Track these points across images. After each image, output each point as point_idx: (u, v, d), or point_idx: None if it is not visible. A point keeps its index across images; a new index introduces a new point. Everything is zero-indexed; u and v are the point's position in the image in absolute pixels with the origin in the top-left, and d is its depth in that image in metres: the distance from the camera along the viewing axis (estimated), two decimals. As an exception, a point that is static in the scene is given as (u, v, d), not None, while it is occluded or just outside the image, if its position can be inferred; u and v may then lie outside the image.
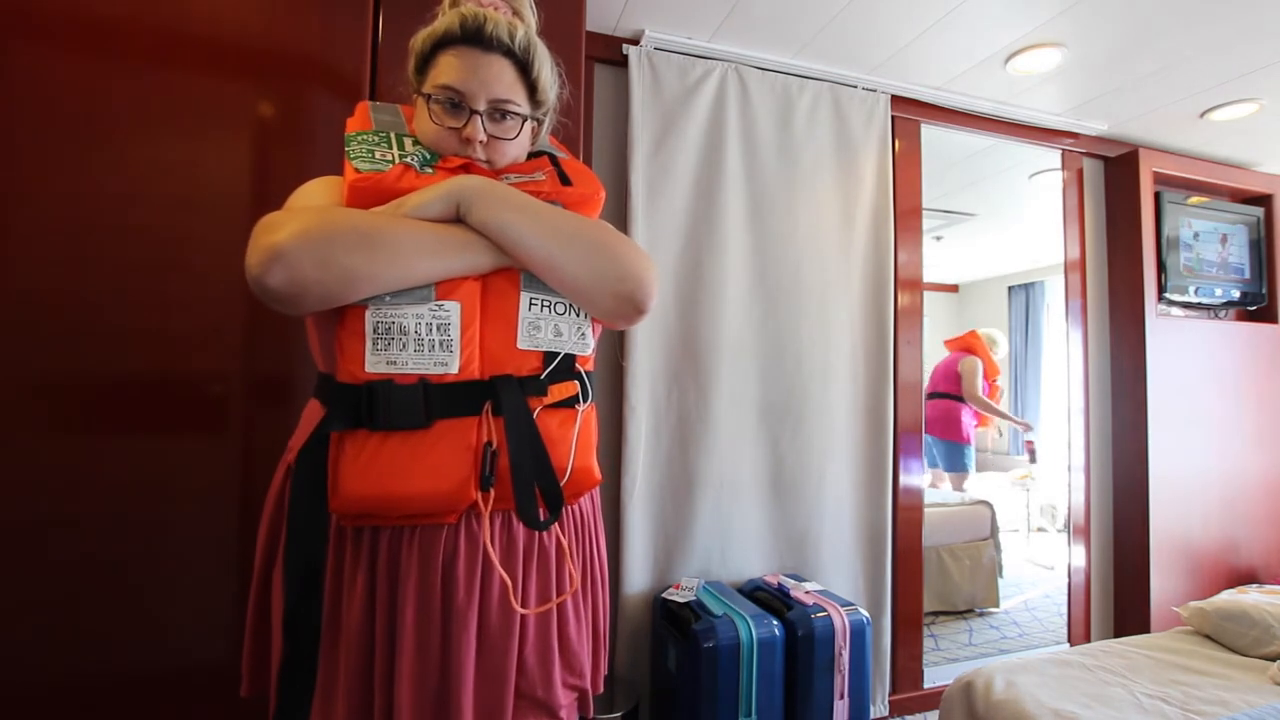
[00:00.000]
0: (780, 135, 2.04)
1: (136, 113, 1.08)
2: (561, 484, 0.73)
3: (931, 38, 1.89)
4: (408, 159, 0.77)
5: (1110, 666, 1.70)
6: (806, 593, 1.76)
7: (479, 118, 0.78)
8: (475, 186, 0.74)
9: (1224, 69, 2.00)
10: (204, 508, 1.10)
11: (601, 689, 0.90)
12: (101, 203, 1.06)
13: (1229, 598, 1.95)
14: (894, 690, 2.14)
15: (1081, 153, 2.56)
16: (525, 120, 0.82)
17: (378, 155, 0.76)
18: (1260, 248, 2.74)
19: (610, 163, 1.93)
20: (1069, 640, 2.50)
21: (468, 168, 0.78)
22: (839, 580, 2.05)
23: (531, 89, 0.81)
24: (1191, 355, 2.55)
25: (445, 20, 0.78)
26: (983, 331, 3.28)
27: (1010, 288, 3.65)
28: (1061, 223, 2.57)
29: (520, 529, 0.77)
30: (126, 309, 1.07)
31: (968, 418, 3.21)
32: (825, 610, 1.67)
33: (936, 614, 2.71)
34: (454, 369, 0.70)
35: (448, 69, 0.77)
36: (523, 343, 0.74)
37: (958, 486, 3.18)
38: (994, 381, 3.22)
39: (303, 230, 0.64)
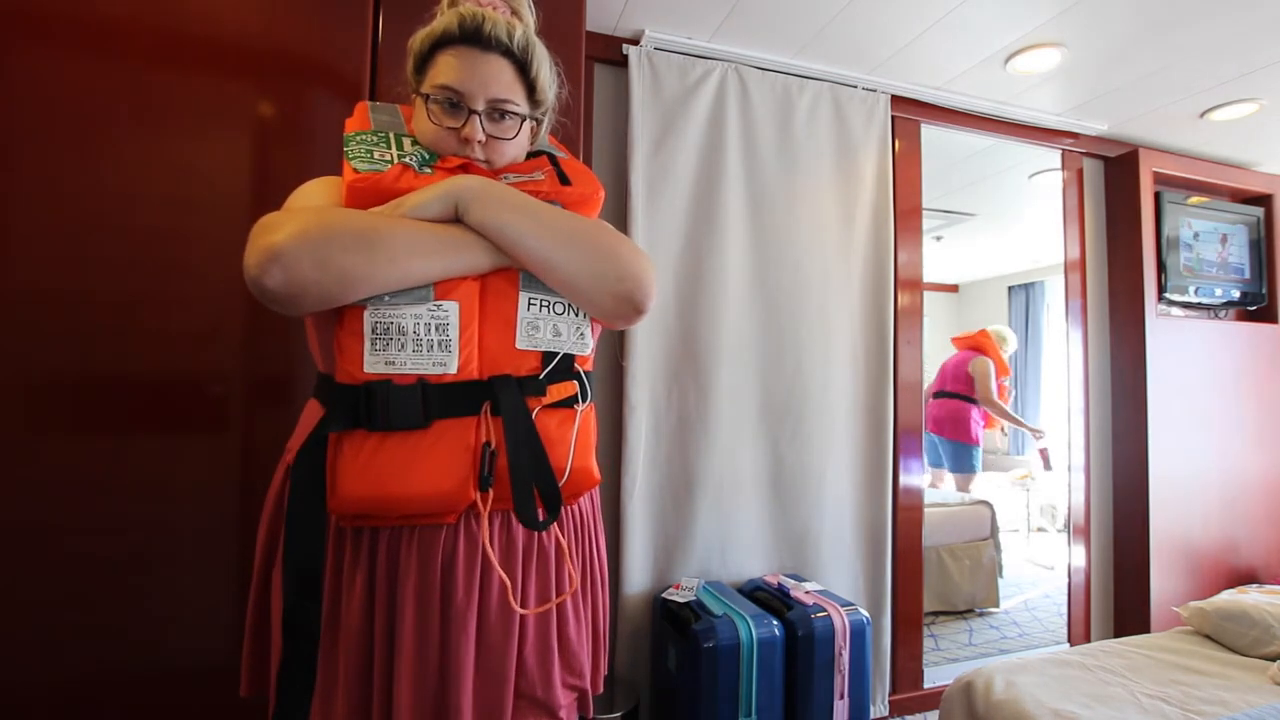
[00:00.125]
0: (780, 135, 2.04)
1: (136, 113, 1.08)
2: (560, 484, 0.73)
3: (931, 38, 1.89)
4: (406, 159, 0.77)
5: (1110, 666, 1.70)
6: (806, 593, 1.76)
7: (477, 117, 0.78)
8: (474, 186, 0.74)
9: (1224, 69, 2.00)
10: (203, 508, 1.10)
11: (601, 689, 0.90)
12: (102, 202, 1.06)
13: (1229, 598, 1.95)
14: (894, 690, 2.14)
15: (1081, 153, 2.56)
16: (524, 120, 0.82)
17: (376, 155, 0.76)
18: (1260, 248, 2.74)
19: (610, 163, 1.93)
20: (1069, 640, 2.50)
21: (466, 168, 0.78)
22: (839, 580, 2.05)
23: (530, 88, 0.81)
24: (1191, 355, 2.55)
25: (444, 20, 0.78)
26: (992, 329, 3.25)
27: (1010, 288, 3.65)
28: (1061, 223, 2.57)
29: (519, 529, 0.77)
30: (126, 309, 1.07)
31: (977, 418, 3.19)
32: (825, 610, 1.67)
33: (936, 614, 2.71)
34: (452, 369, 0.70)
35: (446, 69, 0.77)
36: (521, 343, 0.74)
37: (963, 487, 3.17)
38: (1002, 382, 3.20)
39: (301, 231, 0.64)
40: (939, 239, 3.22)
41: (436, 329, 0.70)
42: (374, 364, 0.68)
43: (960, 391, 3.20)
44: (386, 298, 0.69)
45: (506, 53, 0.78)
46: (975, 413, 3.18)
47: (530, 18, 0.86)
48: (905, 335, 2.22)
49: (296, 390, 1.16)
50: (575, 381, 0.76)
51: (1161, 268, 2.52)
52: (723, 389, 1.94)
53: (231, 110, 1.14)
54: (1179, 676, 1.65)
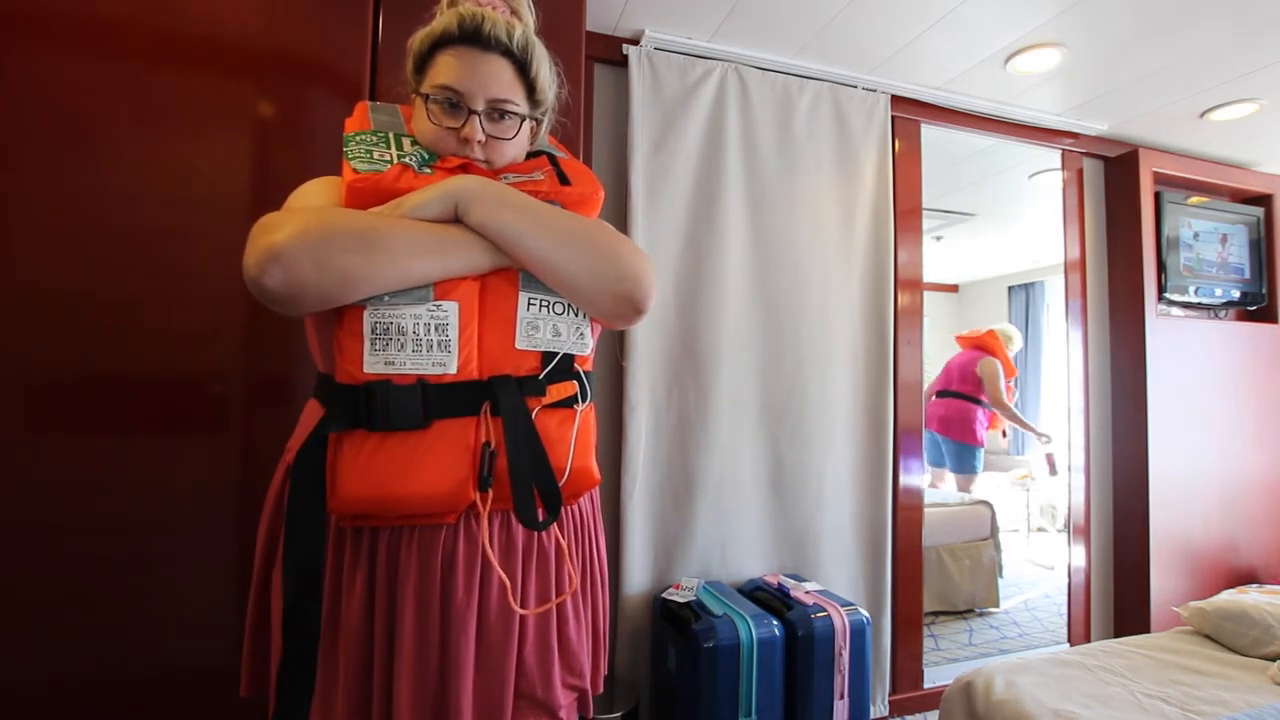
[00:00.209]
0: (780, 135, 2.04)
1: (136, 113, 1.08)
2: (560, 484, 0.73)
3: (931, 38, 1.89)
4: (406, 159, 0.77)
5: (1110, 666, 1.70)
6: (806, 593, 1.76)
7: (477, 117, 0.78)
8: (473, 186, 0.74)
9: (1224, 69, 2.00)
10: (203, 508, 1.10)
11: (601, 689, 0.90)
12: (102, 202, 1.06)
13: (1229, 598, 1.95)
14: (894, 690, 2.14)
15: (1081, 153, 2.56)
16: (524, 120, 0.82)
17: (376, 155, 0.76)
18: (1260, 248, 2.74)
19: (610, 163, 1.93)
20: (1069, 640, 2.50)
21: (466, 168, 0.78)
22: (839, 580, 2.05)
23: (530, 88, 0.81)
24: (1191, 355, 2.55)
25: (443, 20, 0.78)
26: (999, 328, 3.24)
27: (1010, 288, 3.64)
28: (1061, 223, 2.57)
29: (519, 529, 0.77)
30: (126, 309, 1.07)
31: (982, 419, 3.18)
32: (825, 610, 1.67)
33: (936, 614, 2.71)
34: (452, 369, 0.70)
35: (446, 69, 0.77)
36: (521, 343, 0.74)
37: (964, 488, 3.16)
38: (1009, 382, 3.18)
39: (300, 231, 0.64)
40: (939, 239, 3.22)
41: (436, 329, 0.70)
42: (374, 364, 0.68)
43: (966, 392, 3.18)
44: (386, 298, 0.69)
45: (506, 53, 0.78)
46: (980, 413, 3.17)
47: (530, 18, 0.86)
48: (905, 335, 2.22)
49: (296, 390, 1.16)
50: (575, 381, 0.76)
51: (1161, 268, 2.52)
52: (723, 389, 1.94)
53: (231, 110, 1.14)
54: (1179, 676, 1.65)
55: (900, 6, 1.74)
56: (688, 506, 1.90)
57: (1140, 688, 1.59)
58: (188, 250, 1.10)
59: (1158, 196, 2.54)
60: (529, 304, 0.75)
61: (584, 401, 0.77)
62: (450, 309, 0.71)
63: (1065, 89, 2.18)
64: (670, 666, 1.66)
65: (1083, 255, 2.57)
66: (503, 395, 0.71)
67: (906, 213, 2.25)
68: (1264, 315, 2.77)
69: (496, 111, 0.79)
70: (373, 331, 0.69)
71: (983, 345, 3.22)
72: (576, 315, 0.78)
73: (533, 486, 0.71)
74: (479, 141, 0.78)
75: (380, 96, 1.23)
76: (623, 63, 1.90)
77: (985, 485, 3.21)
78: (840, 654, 1.64)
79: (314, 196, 0.77)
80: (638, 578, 1.85)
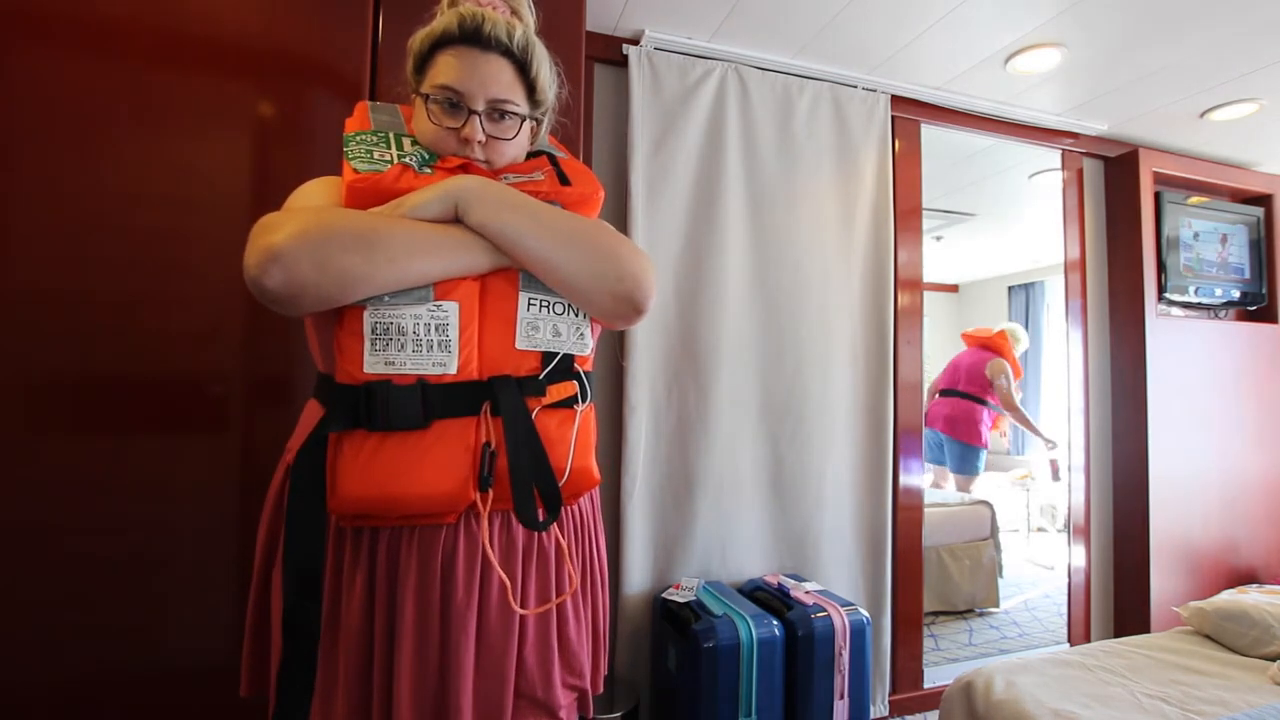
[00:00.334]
0: (780, 135, 2.04)
1: (136, 113, 1.08)
2: (560, 484, 0.73)
3: (931, 38, 1.89)
4: (406, 159, 0.77)
5: (1110, 666, 1.70)
6: (806, 593, 1.76)
7: (477, 118, 0.78)
8: (473, 187, 0.74)
9: (1224, 69, 2.00)
10: (203, 508, 1.10)
11: (601, 689, 0.90)
12: (102, 202, 1.06)
13: (1229, 598, 1.95)
14: (894, 690, 2.14)
15: (1081, 153, 2.56)
16: (524, 120, 0.82)
17: (376, 155, 0.76)
18: (1260, 248, 2.74)
19: (610, 163, 1.93)
20: (1069, 640, 2.50)
21: (466, 168, 0.78)
22: (839, 580, 2.05)
23: (530, 88, 0.81)
24: (1191, 355, 2.55)
25: (443, 20, 0.78)
26: (1008, 328, 3.22)
27: (1010, 288, 3.64)
28: (1061, 223, 2.57)
29: (519, 529, 0.77)
30: (126, 309, 1.07)
31: (986, 420, 3.17)
32: (825, 610, 1.67)
33: (936, 614, 2.71)
34: (452, 369, 0.70)
35: (446, 69, 0.77)
36: (521, 343, 0.74)
37: (964, 488, 3.16)
38: (1016, 384, 3.17)
39: (300, 231, 0.64)
40: (939, 239, 3.22)
41: (436, 329, 0.70)
42: (374, 364, 0.68)
43: (973, 392, 3.16)
44: (386, 298, 0.69)
45: (506, 53, 0.78)
46: (986, 414, 3.16)
47: (530, 18, 0.86)
48: (905, 335, 2.22)
49: (296, 390, 1.16)
50: (575, 382, 0.76)
51: (1161, 268, 2.52)
52: (723, 389, 1.94)
53: (231, 110, 1.14)
54: (1179, 676, 1.65)
55: (900, 6, 1.74)
56: (688, 506, 1.90)
57: (1140, 688, 1.59)
58: (188, 250, 1.10)
59: (1158, 196, 2.54)
60: (529, 304, 0.75)
61: (584, 402, 0.77)
62: (450, 309, 0.71)
63: (1065, 89, 2.18)
64: (670, 666, 1.66)
65: (1083, 255, 2.57)
66: (503, 395, 0.71)
67: (906, 213, 2.25)
68: (1264, 315, 2.77)
69: (497, 112, 0.79)
70: (373, 331, 0.69)
71: (991, 345, 3.20)
72: (577, 315, 0.78)
73: (533, 486, 0.71)
74: (479, 142, 0.78)
75: (380, 96, 1.23)
76: (623, 63, 1.90)
77: (985, 485, 3.22)
78: (840, 654, 1.64)
79: (314, 196, 0.77)
80: (638, 578, 1.85)
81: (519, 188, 0.78)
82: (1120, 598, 2.52)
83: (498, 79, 0.78)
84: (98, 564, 1.04)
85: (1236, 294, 2.67)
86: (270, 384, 1.16)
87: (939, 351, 3.33)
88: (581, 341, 0.78)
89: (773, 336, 2.01)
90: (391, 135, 0.81)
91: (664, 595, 1.77)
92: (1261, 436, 2.67)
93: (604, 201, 0.87)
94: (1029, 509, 3.51)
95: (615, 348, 1.88)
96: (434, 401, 0.69)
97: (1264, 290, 2.73)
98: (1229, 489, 2.59)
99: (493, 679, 0.74)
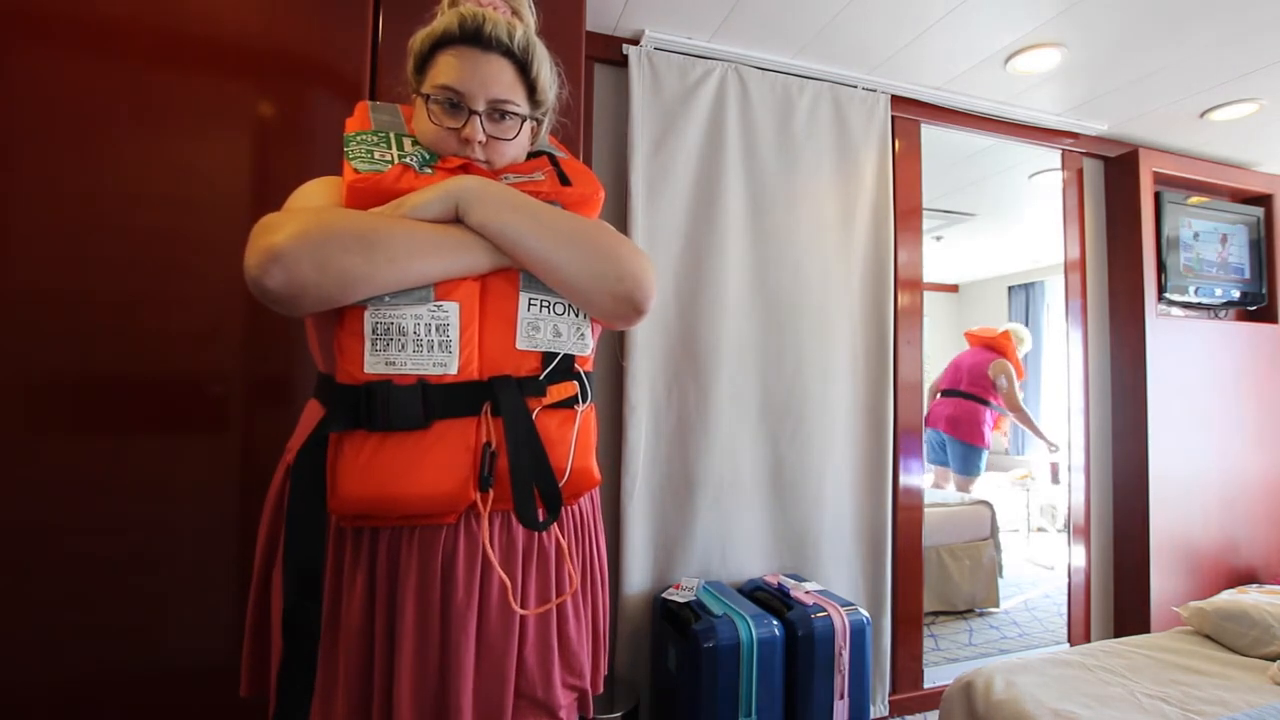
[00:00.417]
0: (780, 135, 2.04)
1: (136, 113, 1.08)
2: (560, 484, 0.73)
3: (931, 38, 1.89)
4: (407, 159, 0.77)
5: (1110, 666, 1.70)
6: (806, 593, 1.76)
7: (478, 118, 0.78)
8: (474, 187, 0.74)
9: (1224, 69, 2.00)
10: (203, 508, 1.10)
11: (601, 689, 0.90)
12: (102, 203, 1.06)
13: (1229, 598, 1.95)
14: (894, 690, 2.14)
15: (1081, 153, 2.56)
16: (524, 120, 0.82)
17: (377, 155, 0.76)
18: (1260, 248, 2.74)
19: (610, 163, 1.93)
20: (1069, 640, 2.50)
21: (467, 168, 0.78)
22: (839, 580, 2.05)
23: (530, 89, 0.81)
24: (1191, 355, 2.55)
25: (444, 20, 0.78)
26: (1012, 329, 3.22)
27: (1010, 288, 3.65)
28: (1061, 223, 2.57)
29: (520, 529, 0.77)
30: (126, 309, 1.07)
31: (989, 421, 3.16)
32: (825, 610, 1.67)
33: (936, 614, 2.71)
34: (453, 369, 0.70)
35: (446, 69, 0.77)
36: (522, 343, 0.74)
37: (964, 488, 3.16)
38: (1018, 385, 3.17)
39: (301, 231, 0.64)
40: (939, 239, 3.22)
41: (437, 329, 0.70)
42: (374, 364, 0.68)
43: (976, 393, 3.15)
44: (387, 298, 0.69)
45: (507, 53, 0.78)
46: (988, 415, 3.16)
47: (530, 18, 0.86)
48: (905, 335, 2.22)
49: (296, 390, 1.16)
50: (575, 382, 0.76)
51: (1161, 268, 2.52)
52: (723, 389, 1.94)
53: (231, 110, 1.14)
54: (1179, 676, 1.65)
55: (900, 6, 1.74)
56: (688, 506, 1.90)
57: (1140, 688, 1.59)
58: (188, 250, 1.10)
59: (1158, 196, 2.54)
60: (529, 304, 0.75)
61: (584, 402, 0.77)
62: (451, 309, 0.71)
63: (1065, 89, 2.18)
64: (670, 666, 1.66)
65: (1083, 255, 2.57)
66: (503, 395, 0.71)
67: (906, 213, 2.25)
68: (1264, 315, 2.77)
69: (497, 112, 0.79)
70: (373, 332, 0.69)
71: (995, 346, 3.19)
72: (577, 315, 0.78)
73: (533, 487, 0.71)
74: (480, 142, 0.78)
75: (380, 96, 1.23)
76: (623, 63, 1.90)
77: (985, 485, 3.22)
78: (840, 654, 1.64)
79: (314, 197, 0.77)
80: (638, 578, 1.85)
81: (519, 188, 0.78)
82: (1120, 598, 2.52)
83: (498, 79, 0.78)
84: (98, 564, 1.04)
85: (1236, 294, 2.67)
86: (270, 384, 1.16)
87: (939, 351, 3.33)
88: (582, 342, 0.78)
89: (773, 336, 2.01)
90: (392, 135, 0.81)
91: (664, 595, 1.77)
92: (1261, 436, 2.67)
93: (604, 201, 0.87)
94: (1029, 509, 3.52)
95: (615, 348, 1.88)
96: (434, 402, 0.69)
97: (1264, 290, 2.73)
98: (1229, 489, 2.59)
99: (493, 679, 0.74)
